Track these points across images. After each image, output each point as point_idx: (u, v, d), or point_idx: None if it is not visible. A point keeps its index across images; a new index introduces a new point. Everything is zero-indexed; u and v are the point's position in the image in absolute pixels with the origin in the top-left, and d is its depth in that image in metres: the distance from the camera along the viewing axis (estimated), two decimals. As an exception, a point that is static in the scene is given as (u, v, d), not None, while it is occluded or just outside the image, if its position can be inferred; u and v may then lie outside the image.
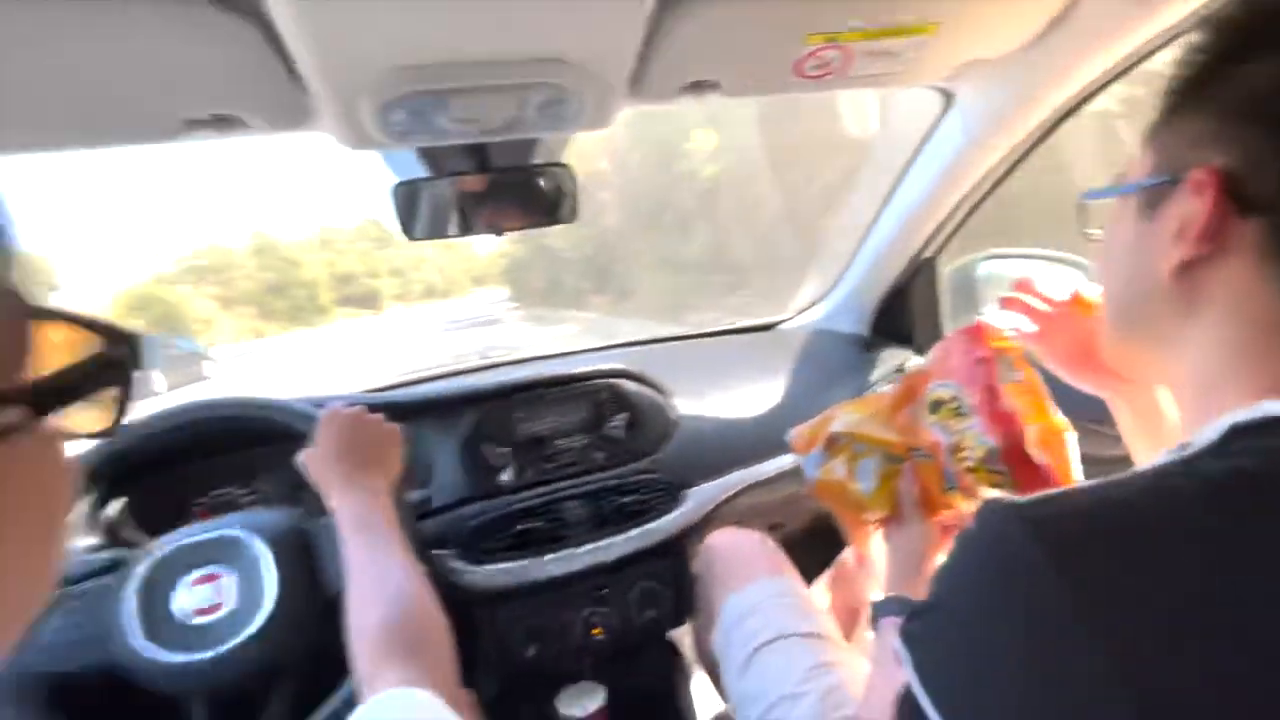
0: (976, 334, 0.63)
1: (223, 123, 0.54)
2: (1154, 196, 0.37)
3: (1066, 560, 0.28)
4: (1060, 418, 0.59)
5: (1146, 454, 0.58)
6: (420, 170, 0.78)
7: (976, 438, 0.60)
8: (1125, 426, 0.59)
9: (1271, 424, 0.29)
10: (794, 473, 1.14)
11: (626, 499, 1.02)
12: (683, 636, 1.16)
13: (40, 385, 0.20)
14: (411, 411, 0.94)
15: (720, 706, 1.08)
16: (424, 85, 0.54)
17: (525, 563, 0.95)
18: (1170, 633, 0.26)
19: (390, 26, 0.46)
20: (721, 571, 0.96)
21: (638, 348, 1.33)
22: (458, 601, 0.89)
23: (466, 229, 0.84)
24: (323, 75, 0.50)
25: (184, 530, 0.74)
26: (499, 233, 0.85)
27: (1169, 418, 0.56)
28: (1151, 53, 0.72)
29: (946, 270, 1.22)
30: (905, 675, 0.36)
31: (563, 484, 1.01)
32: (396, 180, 0.77)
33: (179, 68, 0.49)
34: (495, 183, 0.81)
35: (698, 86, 0.70)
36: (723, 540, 1.00)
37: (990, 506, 0.32)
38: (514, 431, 0.99)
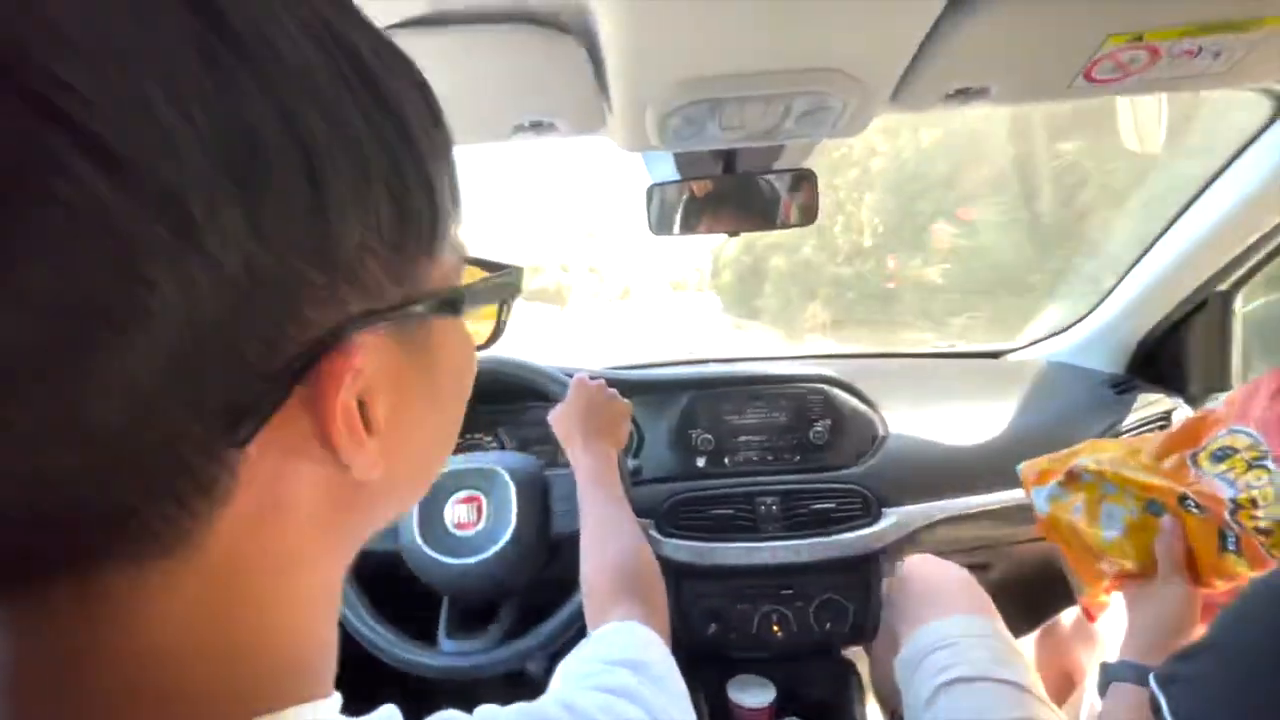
0: None
1: (539, 127, 0.67)
2: None
3: None
4: None
5: None
6: (674, 173, 0.86)
7: (1278, 495, 0.51)
8: None
9: None
10: (1011, 513, 1.04)
11: (820, 505, 1.02)
12: (858, 658, 1.13)
13: (457, 291, 0.27)
14: (636, 389, 1.03)
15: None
16: (704, 95, 0.60)
17: (714, 545, 1.00)
18: None
19: (691, 40, 0.53)
20: (916, 598, 0.91)
21: (851, 360, 1.31)
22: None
23: (705, 228, 0.91)
24: (625, 86, 0.59)
25: (453, 457, 0.91)
26: (734, 233, 0.91)
27: None
28: None
29: (1245, 308, 1.02)
30: None
31: (756, 478, 1.04)
32: (652, 181, 0.86)
33: (520, 81, 0.61)
34: (739, 185, 0.86)
35: (963, 94, 0.68)
36: (922, 566, 0.95)
37: None
38: (719, 421, 1.05)
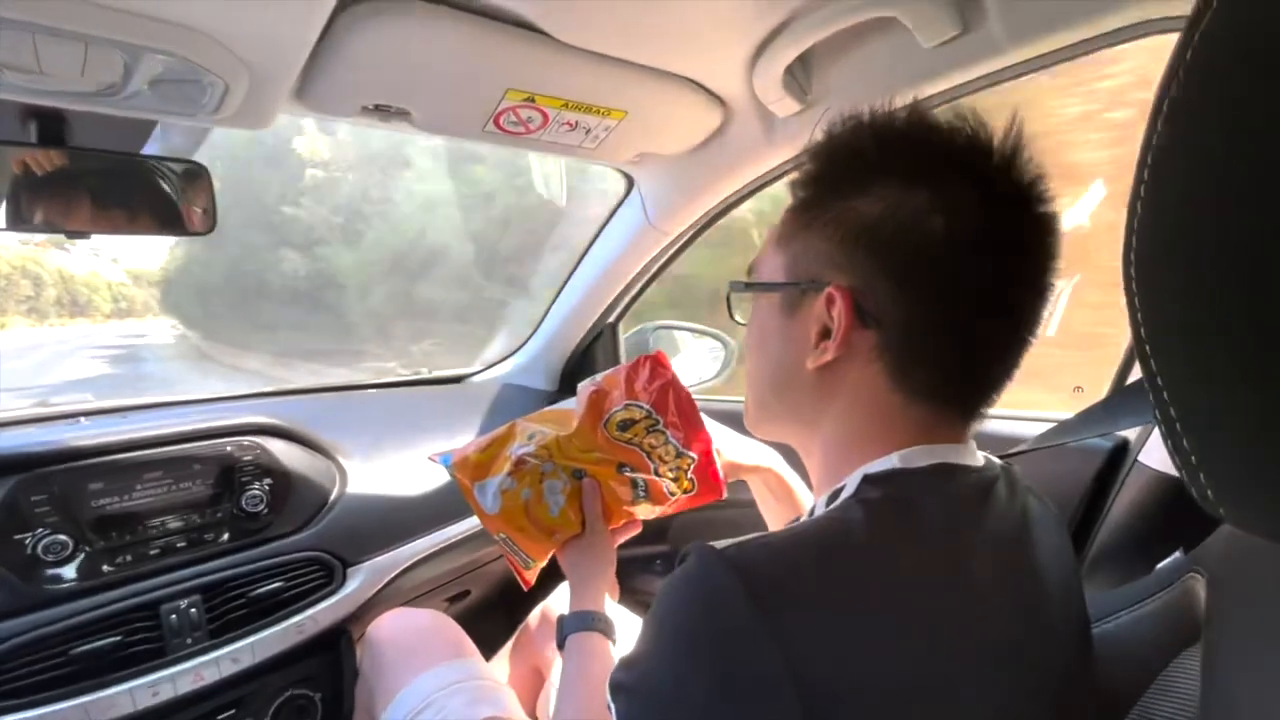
0: (661, 360, 0.66)
1: None
2: (793, 298, 0.43)
3: (760, 587, 0.32)
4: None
5: (780, 519, 0.69)
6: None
7: (678, 451, 0.63)
8: (763, 500, 0.71)
9: (892, 472, 0.39)
10: (481, 534, 1.06)
11: (265, 588, 0.81)
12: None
13: None
14: None
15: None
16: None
17: (85, 700, 0.67)
18: (851, 635, 0.31)
19: None
20: (389, 663, 0.82)
21: (301, 397, 1.11)
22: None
23: (31, 222, 0.59)
24: None
25: None
26: (85, 235, 0.62)
27: (797, 488, 0.68)
28: (778, 178, 0.91)
29: (625, 334, 1.33)
30: None
31: (157, 579, 0.75)
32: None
33: None
34: (84, 169, 0.59)
35: (384, 111, 0.62)
36: (391, 625, 0.87)
37: (695, 550, 0.35)
38: (80, 509, 0.71)
